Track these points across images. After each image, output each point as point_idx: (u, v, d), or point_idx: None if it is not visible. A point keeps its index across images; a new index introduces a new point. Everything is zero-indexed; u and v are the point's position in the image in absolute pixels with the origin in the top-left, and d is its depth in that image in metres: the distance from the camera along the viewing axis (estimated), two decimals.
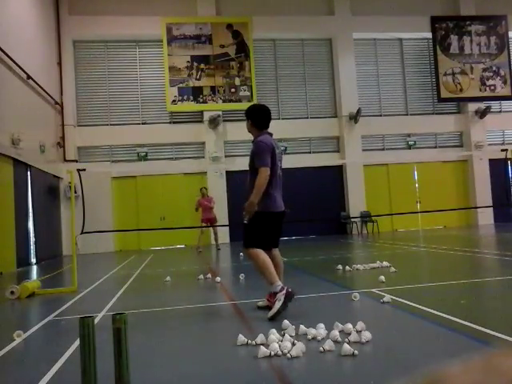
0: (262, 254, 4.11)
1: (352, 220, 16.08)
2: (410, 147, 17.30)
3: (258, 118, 4.36)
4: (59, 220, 14.41)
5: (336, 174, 16.57)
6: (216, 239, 12.68)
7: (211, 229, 12.80)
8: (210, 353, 3.13)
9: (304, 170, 15.63)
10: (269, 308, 4.01)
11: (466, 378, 0.41)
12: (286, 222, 4.48)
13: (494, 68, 17.57)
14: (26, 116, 11.59)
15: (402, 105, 17.54)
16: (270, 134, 4.38)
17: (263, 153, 4.13)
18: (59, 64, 15.02)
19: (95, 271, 9.32)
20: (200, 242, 12.13)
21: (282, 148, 16.14)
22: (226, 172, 15.67)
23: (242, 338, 3.17)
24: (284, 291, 3.86)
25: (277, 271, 4.14)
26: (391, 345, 3.06)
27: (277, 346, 2.92)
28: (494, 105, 17.70)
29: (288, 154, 16.20)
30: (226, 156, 15.89)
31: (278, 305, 3.82)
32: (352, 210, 16.13)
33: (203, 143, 15.91)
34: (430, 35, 17.37)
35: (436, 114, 17.67)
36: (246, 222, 4.10)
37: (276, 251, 4.39)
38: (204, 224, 12.35)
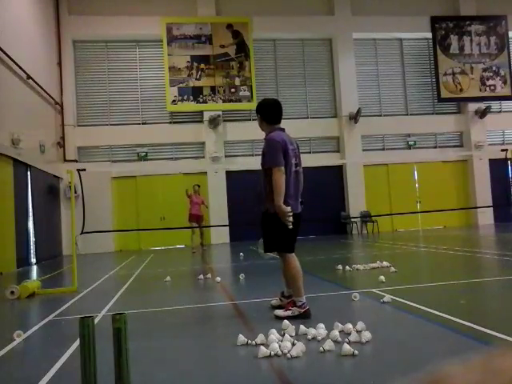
0: (296, 262, 3.98)
1: (352, 220, 16.08)
2: (410, 147, 17.31)
3: (268, 112, 4.11)
4: (59, 220, 14.41)
5: (336, 174, 16.57)
6: (202, 238, 12.60)
7: (198, 228, 12.68)
8: (210, 353, 3.13)
9: (304, 170, 15.55)
10: (281, 307, 4.11)
11: (466, 378, 0.41)
12: None
13: (494, 68, 17.57)
14: (25, 116, 11.59)
15: (402, 105, 17.54)
16: (283, 130, 4.13)
17: (274, 151, 3.88)
18: (59, 64, 15.01)
19: (95, 271, 9.31)
20: (193, 243, 12.15)
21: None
22: (226, 172, 15.67)
23: (241, 338, 3.17)
24: (302, 310, 3.87)
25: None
26: (391, 345, 3.06)
27: (277, 345, 2.92)
28: (494, 105, 17.70)
29: None
30: (225, 156, 15.88)
31: (289, 313, 3.85)
32: (352, 209, 16.13)
33: (203, 143, 15.90)
34: (430, 35, 17.37)
35: (436, 114, 17.67)
36: (290, 226, 3.82)
37: None
38: (193, 220, 12.23)
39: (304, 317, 3.82)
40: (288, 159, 3.95)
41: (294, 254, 4.03)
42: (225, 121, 15.88)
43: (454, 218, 16.98)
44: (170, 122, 16.11)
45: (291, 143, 4.08)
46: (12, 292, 5.86)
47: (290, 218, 3.79)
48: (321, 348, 2.91)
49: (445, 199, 16.32)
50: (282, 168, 3.85)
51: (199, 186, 12.74)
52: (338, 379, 2.55)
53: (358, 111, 16.16)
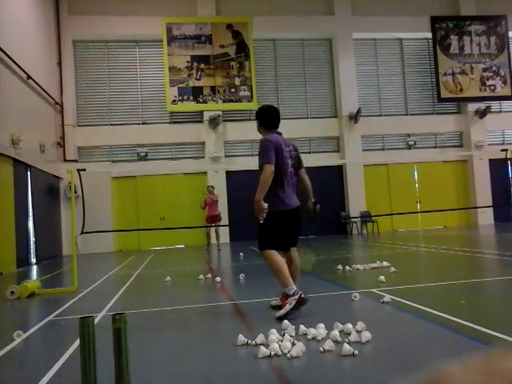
0: (275, 256, 4.04)
1: (352, 220, 16.08)
2: (410, 147, 17.30)
3: (266, 118, 4.40)
4: (59, 220, 14.41)
5: (336, 174, 16.56)
6: (217, 238, 12.77)
7: (213, 228, 12.85)
8: (210, 353, 3.13)
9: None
10: (280, 307, 4.06)
11: (466, 378, 0.41)
12: None
13: (494, 68, 17.57)
14: (25, 116, 11.58)
15: (402, 105, 17.54)
16: (279, 134, 4.40)
17: (266, 150, 4.13)
18: (59, 64, 15.01)
19: (95, 271, 9.31)
20: (209, 242, 12.51)
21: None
22: (226, 172, 15.67)
23: (241, 338, 3.17)
24: (297, 296, 3.87)
25: (292, 271, 4.14)
26: (391, 345, 3.06)
27: (277, 345, 2.92)
28: (494, 105, 17.69)
29: None
30: (226, 156, 15.88)
31: (288, 308, 3.86)
32: (352, 210, 16.12)
33: (203, 143, 15.90)
34: (430, 35, 17.37)
35: (436, 113, 17.67)
36: (261, 221, 3.98)
37: (293, 251, 4.32)
38: (209, 222, 12.49)
39: (302, 303, 3.87)
40: (283, 159, 4.18)
41: (274, 250, 4.08)
42: (225, 121, 15.88)
43: (454, 218, 16.98)
44: (170, 122, 16.11)
45: (287, 145, 4.32)
46: (12, 292, 5.86)
47: (264, 215, 3.97)
48: (321, 348, 2.91)
49: (445, 199, 16.32)
50: (272, 166, 4.05)
51: (213, 187, 12.90)
52: (338, 379, 2.55)
53: (358, 111, 16.16)
